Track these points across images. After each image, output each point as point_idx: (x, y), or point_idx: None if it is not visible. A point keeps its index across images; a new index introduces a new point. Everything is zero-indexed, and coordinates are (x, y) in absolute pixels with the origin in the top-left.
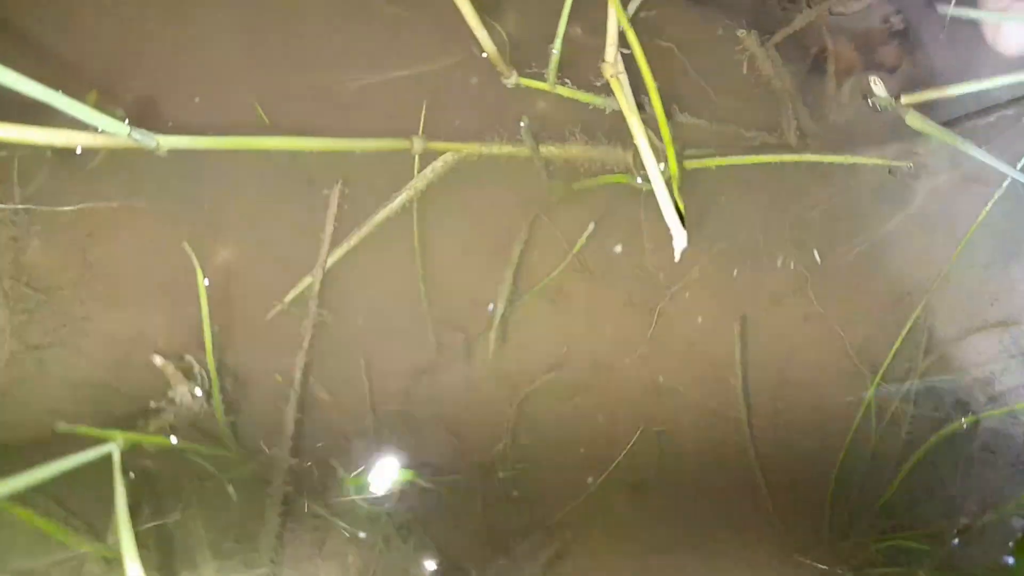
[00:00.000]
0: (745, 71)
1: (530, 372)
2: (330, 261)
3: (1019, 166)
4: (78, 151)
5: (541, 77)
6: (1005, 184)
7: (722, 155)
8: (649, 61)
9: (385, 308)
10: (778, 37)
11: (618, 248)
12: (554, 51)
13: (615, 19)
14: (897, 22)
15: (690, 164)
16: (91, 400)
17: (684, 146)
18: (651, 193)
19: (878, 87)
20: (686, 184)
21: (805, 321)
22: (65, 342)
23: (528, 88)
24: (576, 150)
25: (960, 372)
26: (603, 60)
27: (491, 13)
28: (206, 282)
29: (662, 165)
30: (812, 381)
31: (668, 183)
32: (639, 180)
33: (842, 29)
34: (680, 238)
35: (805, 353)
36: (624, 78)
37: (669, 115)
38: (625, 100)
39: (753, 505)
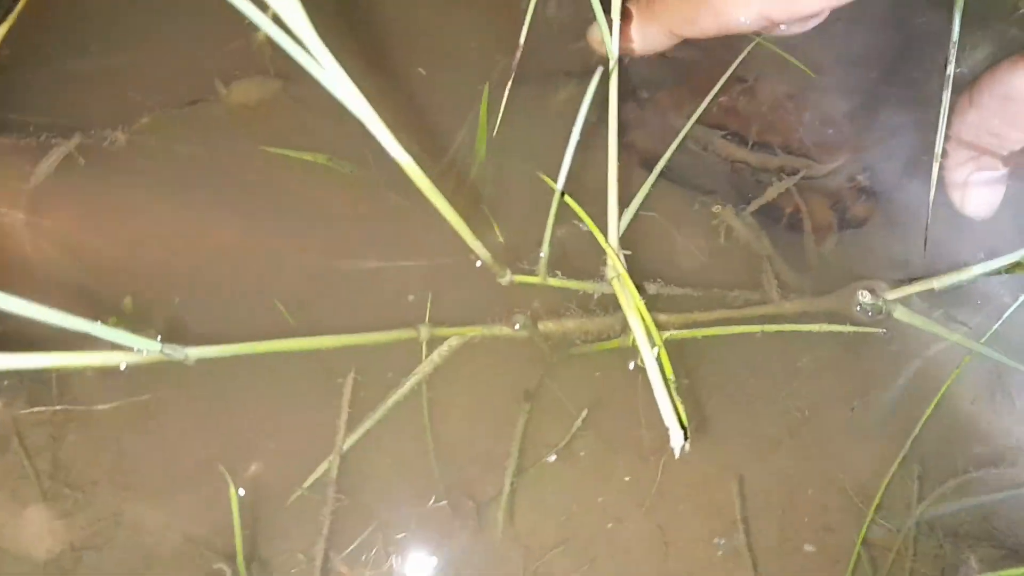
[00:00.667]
0: (723, 240)
1: (539, 545)
2: (346, 445)
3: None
4: (122, 367)
5: (534, 272)
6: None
7: (708, 318)
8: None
9: (400, 484)
10: (753, 207)
11: (615, 419)
12: (542, 254)
13: (615, 240)
14: (863, 180)
15: (676, 335)
16: None
17: (669, 315)
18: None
19: (865, 297)
20: (677, 351)
21: (804, 463)
22: (101, 538)
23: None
24: (572, 324)
25: (958, 507)
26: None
27: (484, 221)
28: (240, 492)
29: (655, 350)
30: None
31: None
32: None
33: (813, 189)
34: (678, 437)
35: (805, 495)
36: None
37: (643, 290)
38: (625, 300)
39: None
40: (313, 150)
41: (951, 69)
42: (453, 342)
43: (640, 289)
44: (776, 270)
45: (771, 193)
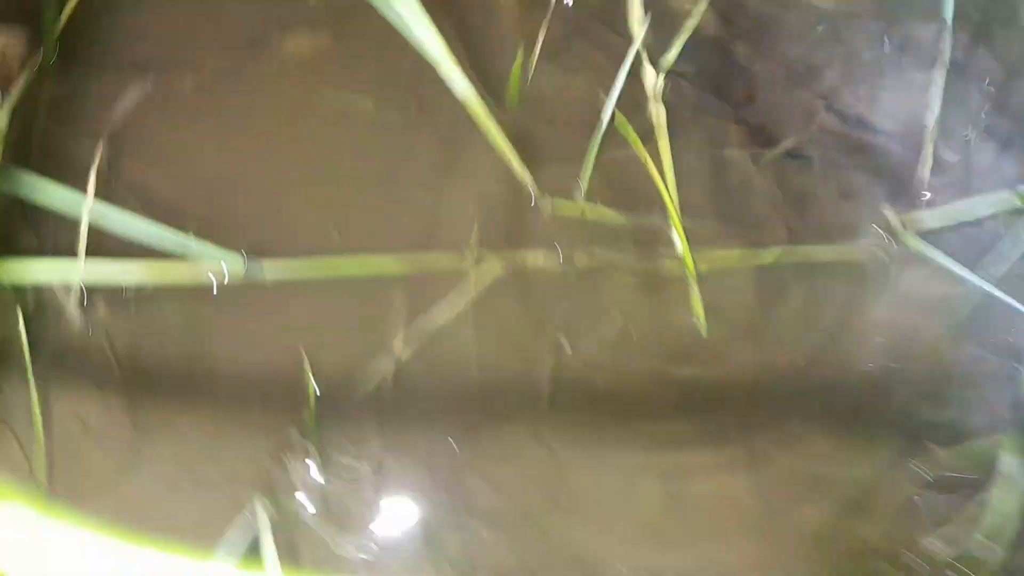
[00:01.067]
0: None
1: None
2: (405, 353)
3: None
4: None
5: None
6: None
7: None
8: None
9: (447, 395)
10: (769, 157)
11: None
12: (582, 183)
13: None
14: None
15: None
16: None
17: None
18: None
19: (890, 214)
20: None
21: None
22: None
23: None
24: (608, 253)
25: None
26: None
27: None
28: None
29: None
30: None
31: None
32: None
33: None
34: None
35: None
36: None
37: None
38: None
39: None
40: (362, 94)
41: None
42: (497, 268)
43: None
44: (787, 217)
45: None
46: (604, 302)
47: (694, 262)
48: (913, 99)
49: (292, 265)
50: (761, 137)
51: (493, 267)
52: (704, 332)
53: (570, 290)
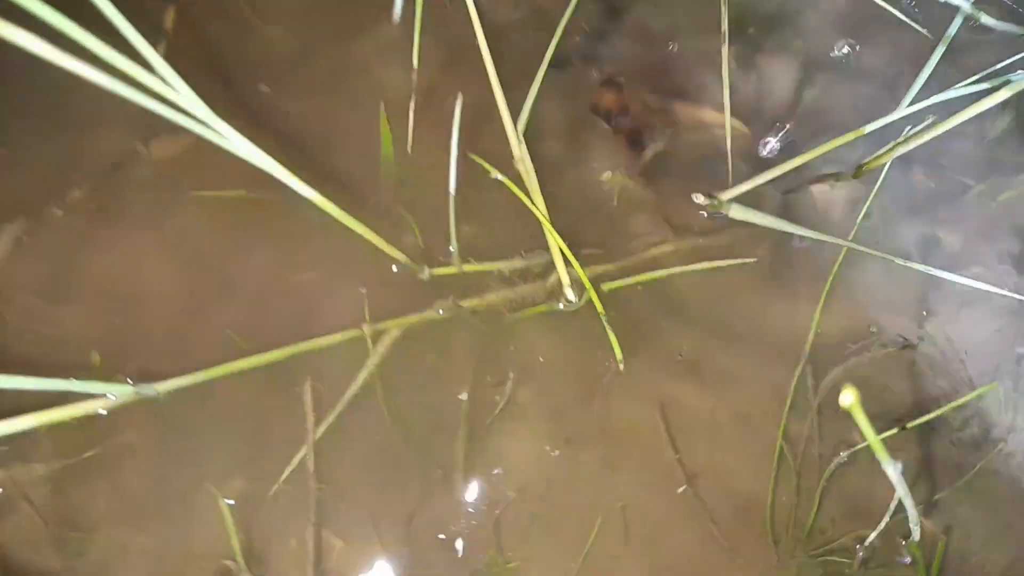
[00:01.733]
0: (616, 202)
1: (500, 496)
2: (317, 434)
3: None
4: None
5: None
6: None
7: (615, 268)
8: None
9: (371, 465)
10: (638, 168)
11: (552, 371)
12: (452, 248)
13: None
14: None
15: (608, 287)
16: None
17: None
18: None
19: (699, 199)
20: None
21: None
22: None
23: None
24: (495, 297)
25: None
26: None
27: (399, 224)
28: (229, 502)
29: (581, 293)
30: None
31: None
32: (561, 306)
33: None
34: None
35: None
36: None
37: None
38: (554, 243)
39: None
40: (234, 186)
41: None
42: (394, 333)
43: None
44: (669, 215)
45: (653, 150)
46: (508, 348)
47: (596, 291)
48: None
49: (188, 379)
50: (636, 144)
51: (389, 334)
52: (621, 366)
53: (473, 343)
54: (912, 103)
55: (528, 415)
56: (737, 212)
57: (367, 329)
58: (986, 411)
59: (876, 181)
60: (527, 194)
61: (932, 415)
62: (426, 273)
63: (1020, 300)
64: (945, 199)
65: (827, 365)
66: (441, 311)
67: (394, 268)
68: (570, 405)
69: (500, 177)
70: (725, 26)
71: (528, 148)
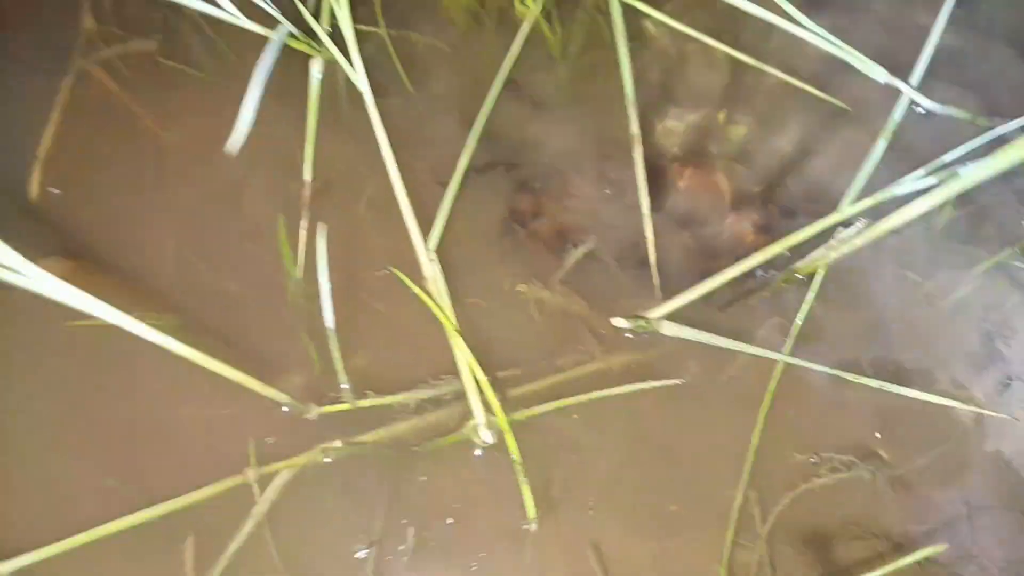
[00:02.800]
0: (537, 315)
1: None
2: None
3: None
4: None
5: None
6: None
7: (539, 387)
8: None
9: None
10: (559, 275)
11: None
12: (344, 386)
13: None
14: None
15: (518, 416)
16: None
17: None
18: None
19: (618, 322)
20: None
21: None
22: None
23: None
24: (403, 427)
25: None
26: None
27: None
28: None
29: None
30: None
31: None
32: (478, 433)
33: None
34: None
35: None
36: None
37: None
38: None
39: None
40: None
41: None
42: (285, 475)
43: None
44: (594, 327)
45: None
46: (415, 488)
47: (510, 424)
48: None
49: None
50: (557, 250)
51: (279, 478)
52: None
53: (375, 481)
54: (855, 201)
55: (436, 566)
56: (670, 330)
57: (252, 474)
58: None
59: (811, 288)
60: (442, 311)
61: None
62: (313, 413)
63: (979, 413)
64: (893, 301)
65: (775, 491)
66: (326, 457)
67: (283, 409)
68: (486, 555)
69: (417, 291)
70: (635, 127)
71: (440, 259)
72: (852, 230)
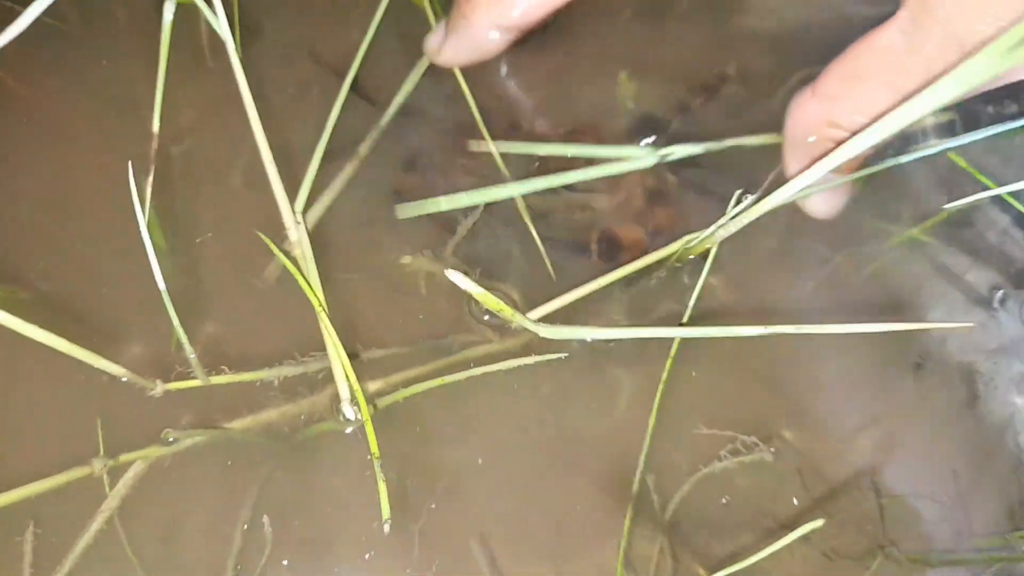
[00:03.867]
0: (425, 290)
1: None
2: None
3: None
4: None
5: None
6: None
7: (421, 372)
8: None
9: None
10: (451, 248)
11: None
12: (191, 356)
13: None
14: (653, 184)
15: (383, 403)
16: None
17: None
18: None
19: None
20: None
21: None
22: None
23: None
24: (273, 414)
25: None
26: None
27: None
28: None
29: (356, 409)
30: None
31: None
32: (343, 419)
33: (610, 214)
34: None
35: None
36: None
37: (355, 355)
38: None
39: None
40: None
41: None
42: (138, 468)
43: (352, 356)
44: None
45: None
46: (278, 477)
47: (373, 407)
48: None
49: None
50: (446, 225)
51: (132, 469)
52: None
53: (242, 471)
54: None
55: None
56: (548, 332)
57: (99, 464)
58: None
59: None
60: (306, 281)
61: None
62: (159, 389)
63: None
64: (803, 276)
65: (674, 477)
66: (171, 439)
67: (124, 381)
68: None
69: (279, 255)
70: None
71: (322, 235)
72: (741, 206)
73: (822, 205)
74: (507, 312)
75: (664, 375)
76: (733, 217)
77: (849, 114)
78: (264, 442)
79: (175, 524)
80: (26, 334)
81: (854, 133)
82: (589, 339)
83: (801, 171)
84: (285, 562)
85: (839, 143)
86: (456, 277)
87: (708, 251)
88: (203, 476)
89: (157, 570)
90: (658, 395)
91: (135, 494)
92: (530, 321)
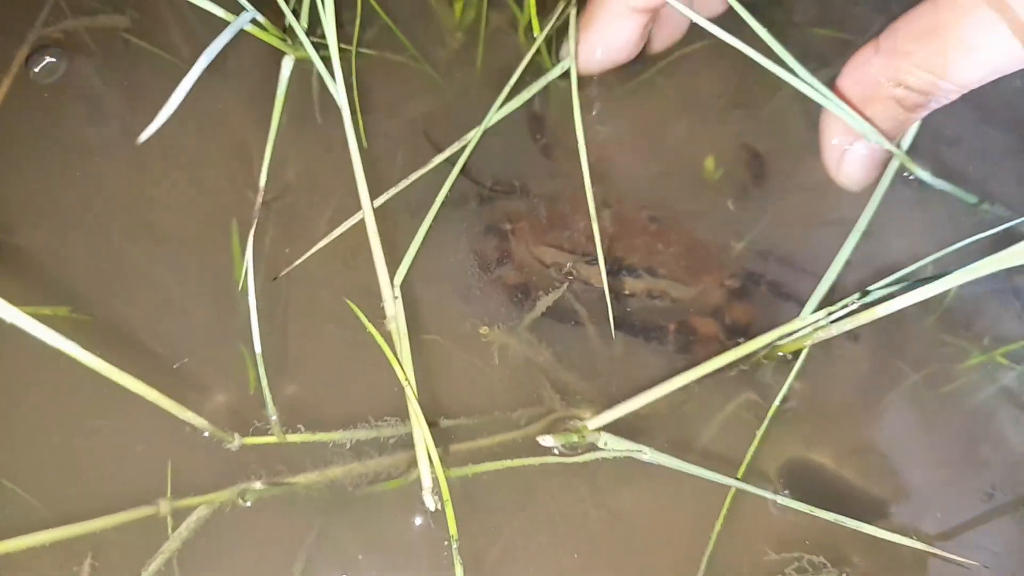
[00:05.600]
0: (497, 361)
1: None
2: None
3: None
4: None
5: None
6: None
7: (491, 443)
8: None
9: None
10: (527, 321)
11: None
12: (272, 416)
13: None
14: (733, 283)
15: (453, 473)
16: None
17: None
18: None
19: (546, 440)
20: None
21: None
22: None
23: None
24: (338, 471)
25: None
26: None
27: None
28: None
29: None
30: None
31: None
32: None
33: (689, 305)
34: None
35: None
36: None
37: (434, 423)
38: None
39: None
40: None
41: None
42: (202, 512)
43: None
44: (562, 382)
45: (544, 304)
46: (346, 539)
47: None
48: None
49: None
50: (520, 301)
51: (194, 513)
52: None
53: (303, 527)
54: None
55: None
56: (611, 444)
57: (165, 506)
58: None
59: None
60: (396, 359)
61: None
62: (236, 442)
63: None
64: (878, 389)
65: None
66: (243, 498)
67: (205, 434)
68: None
69: (373, 332)
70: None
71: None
72: (845, 310)
73: (858, 173)
74: (576, 441)
75: (730, 493)
76: (834, 321)
77: (920, 72)
78: (331, 497)
79: (234, 572)
80: (118, 380)
81: (922, 93)
82: (648, 459)
83: (846, 135)
84: None
85: (903, 103)
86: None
87: (800, 351)
88: (265, 527)
89: None
90: (727, 502)
91: (196, 539)
92: (597, 442)
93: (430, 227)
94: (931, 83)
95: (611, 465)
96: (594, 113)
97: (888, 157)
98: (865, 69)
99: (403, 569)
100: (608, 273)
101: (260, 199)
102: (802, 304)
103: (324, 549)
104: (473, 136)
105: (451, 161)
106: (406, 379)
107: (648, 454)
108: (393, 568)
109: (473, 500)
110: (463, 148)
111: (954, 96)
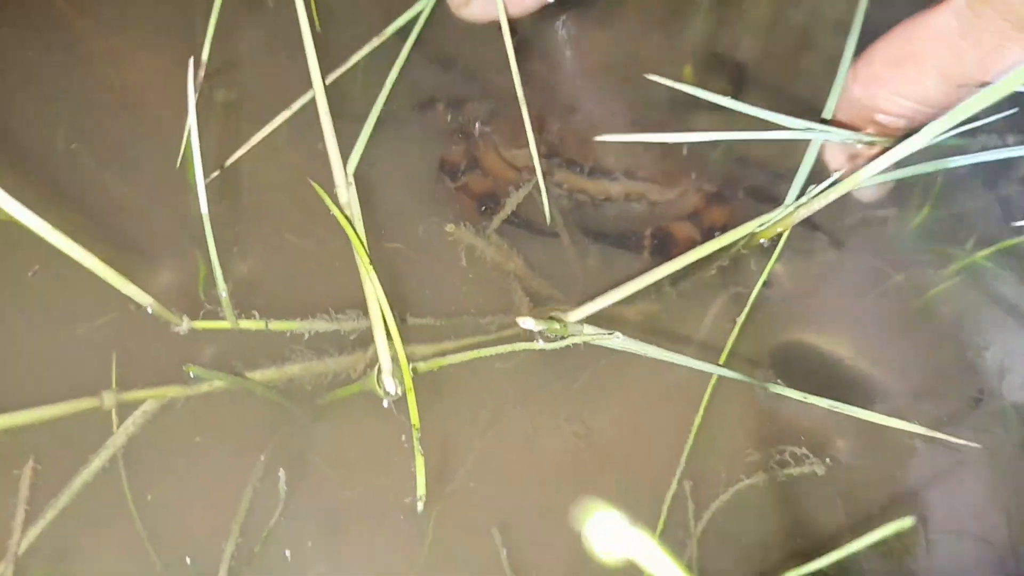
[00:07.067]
0: (464, 263)
1: None
2: (23, 547)
3: None
4: None
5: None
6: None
7: (458, 345)
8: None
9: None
10: (495, 223)
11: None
12: (223, 293)
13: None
14: (711, 187)
15: (421, 368)
16: None
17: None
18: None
19: (526, 323)
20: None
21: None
22: None
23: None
24: (296, 368)
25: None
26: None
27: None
28: None
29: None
30: None
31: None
32: (383, 392)
33: (665, 209)
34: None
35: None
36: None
37: (402, 319)
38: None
39: None
40: None
41: None
42: (149, 406)
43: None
44: (534, 289)
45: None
46: (299, 437)
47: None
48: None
49: None
50: (485, 208)
51: (144, 405)
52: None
53: (255, 424)
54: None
55: (307, 530)
56: (590, 336)
57: (109, 398)
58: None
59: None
60: (357, 237)
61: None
62: (184, 325)
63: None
64: (859, 289)
65: (713, 485)
66: (192, 375)
67: (150, 311)
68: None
69: (334, 209)
70: None
71: (367, 194)
72: (818, 188)
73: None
74: (558, 328)
75: (709, 389)
76: (814, 197)
77: (896, 99)
78: (284, 401)
79: (181, 473)
80: (53, 243)
81: (902, 117)
82: (623, 346)
83: (840, 157)
84: (293, 528)
85: (886, 128)
86: (526, 323)
87: (780, 235)
88: (217, 427)
89: (154, 521)
90: (706, 397)
91: (143, 435)
92: (577, 328)
93: (394, 132)
94: (911, 108)
95: (590, 375)
96: (564, 18)
97: None
98: (846, 96)
99: (364, 471)
100: (587, 176)
101: (201, 73)
102: (779, 205)
103: (283, 452)
104: (425, 5)
105: (403, 35)
106: (361, 247)
107: (621, 338)
108: (354, 469)
109: (439, 409)
110: (416, 16)
111: (938, 117)
